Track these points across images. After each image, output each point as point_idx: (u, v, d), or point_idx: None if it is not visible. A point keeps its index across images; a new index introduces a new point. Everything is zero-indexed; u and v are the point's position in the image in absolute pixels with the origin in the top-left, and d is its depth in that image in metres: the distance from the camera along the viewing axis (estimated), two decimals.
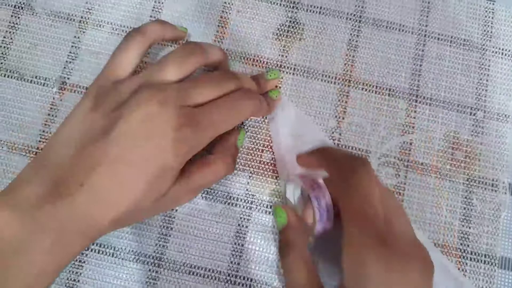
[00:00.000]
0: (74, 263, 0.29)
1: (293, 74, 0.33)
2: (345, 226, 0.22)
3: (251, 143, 0.31)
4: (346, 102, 0.32)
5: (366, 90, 0.33)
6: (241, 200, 0.30)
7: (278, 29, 0.33)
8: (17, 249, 0.21)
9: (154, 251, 0.30)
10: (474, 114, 0.33)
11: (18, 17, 0.33)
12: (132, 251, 0.30)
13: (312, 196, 0.26)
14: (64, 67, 0.32)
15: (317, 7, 0.34)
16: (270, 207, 0.30)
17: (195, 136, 0.24)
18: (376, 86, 0.33)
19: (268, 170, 0.31)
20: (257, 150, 0.31)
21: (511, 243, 0.31)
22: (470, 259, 0.30)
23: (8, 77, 0.32)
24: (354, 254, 0.22)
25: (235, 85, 0.27)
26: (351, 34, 0.34)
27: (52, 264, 0.22)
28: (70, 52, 0.33)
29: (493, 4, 0.34)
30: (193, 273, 0.29)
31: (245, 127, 0.32)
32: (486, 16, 0.34)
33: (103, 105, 0.24)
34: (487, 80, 0.33)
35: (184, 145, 0.24)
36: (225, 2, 0.34)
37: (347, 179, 0.23)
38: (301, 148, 0.28)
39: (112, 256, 0.29)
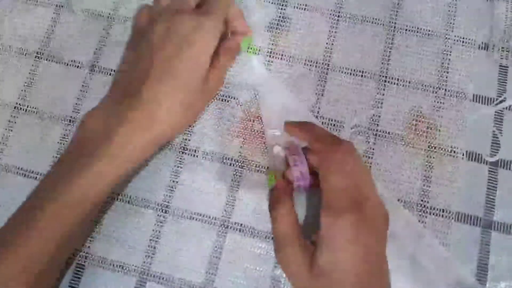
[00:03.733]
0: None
1: (281, 59, 0.39)
2: (325, 192, 0.28)
3: (244, 114, 0.38)
4: (325, 82, 0.39)
5: (342, 72, 0.39)
6: (235, 161, 0.37)
7: (270, 22, 0.40)
8: (102, 137, 0.30)
9: (162, 200, 0.36)
10: (436, 92, 0.38)
11: (59, 14, 0.41)
12: (144, 199, 0.36)
13: (291, 160, 0.32)
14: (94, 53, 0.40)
15: (303, 5, 0.40)
16: (259, 167, 0.37)
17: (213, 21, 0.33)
18: (351, 69, 0.39)
19: (258, 137, 0.37)
20: (249, 121, 0.38)
21: (465, 201, 0.36)
22: (430, 213, 0.35)
23: (49, 61, 0.40)
24: (331, 215, 0.27)
25: None
26: (330, 26, 0.40)
27: (129, 156, 0.31)
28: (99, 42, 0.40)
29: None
30: (193, 219, 0.36)
31: (239, 101, 0.38)
32: (449, 8, 0.40)
33: (153, 21, 0.34)
34: (448, 64, 0.39)
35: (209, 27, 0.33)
36: None
37: (330, 157, 0.29)
38: (287, 118, 0.35)
39: (128, 203, 0.36)
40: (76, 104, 0.39)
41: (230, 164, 0.37)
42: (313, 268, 0.27)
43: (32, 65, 0.40)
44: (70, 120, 0.39)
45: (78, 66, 0.40)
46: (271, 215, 0.32)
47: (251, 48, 0.39)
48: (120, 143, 0.30)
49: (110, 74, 0.40)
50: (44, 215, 0.29)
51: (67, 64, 0.40)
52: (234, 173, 0.37)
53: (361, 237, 0.27)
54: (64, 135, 0.38)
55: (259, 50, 0.39)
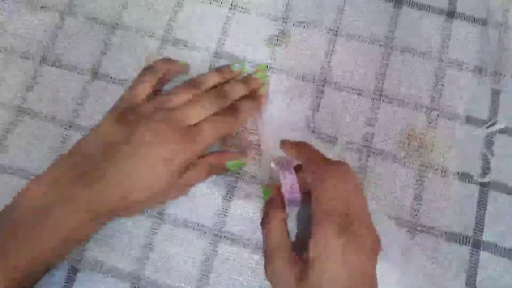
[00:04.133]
0: None
1: (279, 73, 0.40)
2: (315, 213, 0.28)
3: (241, 127, 0.38)
4: (320, 98, 0.39)
5: (338, 89, 0.40)
6: (229, 171, 0.37)
7: (269, 37, 0.41)
8: (47, 216, 0.29)
9: (157, 207, 0.37)
10: (429, 112, 0.39)
11: (62, 18, 0.42)
12: None
13: (281, 174, 0.32)
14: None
15: (302, 21, 0.41)
16: (254, 179, 0.37)
17: (191, 148, 0.32)
18: (347, 86, 0.40)
19: (253, 149, 0.38)
20: (244, 133, 0.38)
21: (456, 219, 0.36)
22: (420, 231, 0.36)
23: (51, 65, 0.41)
24: (321, 238, 0.27)
25: (226, 101, 0.35)
26: (328, 43, 0.41)
27: (73, 235, 0.30)
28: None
29: (451, 23, 0.41)
30: (187, 227, 0.36)
31: None
32: (443, 32, 0.41)
33: (126, 119, 0.33)
34: (442, 85, 0.40)
35: (182, 154, 0.32)
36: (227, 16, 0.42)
37: (322, 179, 0.29)
38: (283, 131, 0.35)
39: None
40: (76, 109, 0.39)
41: (225, 175, 0.37)
42: (301, 286, 0.27)
43: (34, 68, 0.41)
44: (69, 125, 0.39)
45: (79, 72, 0.40)
46: (262, 228, 0.32)
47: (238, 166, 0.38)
48: (58, 221, 0.30)
49: (111, 81, 0.40)
50: None
51: (69, 69, 0.41)
52: (229, 183, 0.37)
53: (350, 261, 0.27)
54: (64, 138, 0.39)
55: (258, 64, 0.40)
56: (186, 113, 0.33)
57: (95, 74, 0.40)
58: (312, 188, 0.29)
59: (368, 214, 0.29)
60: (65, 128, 0.39)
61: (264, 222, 0.32)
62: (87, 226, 0.31)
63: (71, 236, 0.30)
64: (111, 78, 0.40)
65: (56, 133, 0.39)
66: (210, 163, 0.35)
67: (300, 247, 0.29)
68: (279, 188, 0.33)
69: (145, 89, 0.35)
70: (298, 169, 0.33)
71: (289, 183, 0.32)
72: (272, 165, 0.35)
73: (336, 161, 0.31)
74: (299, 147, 0.33)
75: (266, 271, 0.30)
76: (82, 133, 0.39)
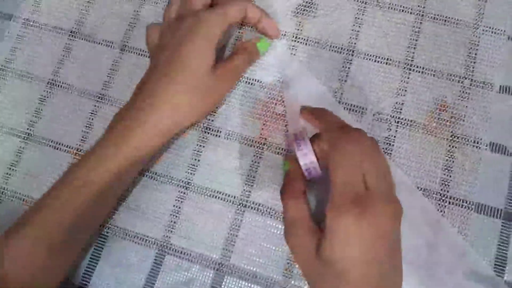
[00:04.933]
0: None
1: (306, 44, 0.39)
2: (331, 184, 0.28)
3: (266, 97, 0.38)
4: (349, 68, 0.39)
5: (366, 59, 0.39)
6: (255, 142, 0.37)
7: (296, 7, 0.41)
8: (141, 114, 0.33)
9: (184, 177, 0.37)
10: (462, 82, 0.38)
11: None
12: (167, 175, 0.37)
13: (296, 145, 0.31)
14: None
15: None
16: (279, 149, 0.37)
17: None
18: (376, 56, 0.39)
19: (279, 119, 0.38)
20: (271, 103, 0.38)
21: (486, 192, 0.35)
22: (449, 203, 0.35)
23: (83, 40, 0.42)
24: (334, 210, 0.27)
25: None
26: (357, 12, 0.40)
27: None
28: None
29: None
30: (213, 196, 0.37)
31: (263, 83, 0.39)
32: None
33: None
34: (475, 54, 0.38)
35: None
36: None
37: (337, 147, 0.28)
38: (309, 102, 0.35)
39: (151, 178, 0.37)
40: (106, 82, 0.40)
41: (251, 145, 0.37)
42: (319, 256, 0.27)
43: (66, 43, 0.42)
44: (99, 97, 0.40)
45: (109, 45, 0.41)
46: (282, 200, 0.32)
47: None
48: (153, 122, 0.33)
49: (139, 54, 0.41)
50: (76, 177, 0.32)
51: (100, 43, 0.42)
52: (254, 153, 0.37)
53: (364, 233, 0.26)
54: (94, 110, 0.40)
55: (285, 35, 0.40)
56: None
57: (124, 48, 0.41)
58: (328, 158, 0.29)
59: (387, 183, 0.28)
60: (96, 100, 0.40)
61: (283, 193, 0.32)
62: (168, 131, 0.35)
63: (163, 134, 0.34)
64: (140, 51, 0.41)
65: (87, 105, 0.40)
66: (247, 48, 0.37)
67: (321, 217, 0.29)
68: (294, 159, 0.32)
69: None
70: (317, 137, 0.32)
71: (303, 153, 0.31)
72: (289, 136, 0.34)
73: (351, 127, 0.30)
74: (317, 113, 0.32)
75: (286, 241, 0.31)
76: (112, 105, 0.40)
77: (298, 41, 0.40)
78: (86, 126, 0.39)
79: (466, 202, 0.35)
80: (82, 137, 0.39)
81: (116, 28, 0.42)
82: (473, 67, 0.38)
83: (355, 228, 0.26)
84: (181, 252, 0.36)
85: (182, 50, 0.33)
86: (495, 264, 0.34)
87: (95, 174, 0.32)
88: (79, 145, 0.39)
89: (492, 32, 0.38)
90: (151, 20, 0.42)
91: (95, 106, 0.40)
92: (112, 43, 0.41)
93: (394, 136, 0.37)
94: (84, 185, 0.32)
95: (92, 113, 0.40)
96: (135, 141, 0.32)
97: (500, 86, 0.37)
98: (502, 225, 0.35)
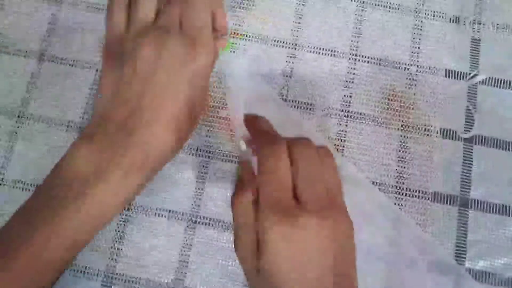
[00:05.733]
0: None
1: (246, 40, 0.37)
2: (260, 196, 0.26)
3: (210, 101, 0.35)
4: (293, 62, 0.36)
5: (310, 52, 0.37)
6: (200, 150, 0.35)
7: (232, 1, 0.38)
8: (95, 179, 0.25)
9: None
10: (408, 69, 0.36)
11: None
12: None
13: (249, 152, 0.30)
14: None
15: None
16: (226, 155, 0.34)
17: None
18: (320, 48, 0.37)
19: (224, 124, 0.35)
20: (215, 108, 0.35)
21: (442, 179, 0.35)
22: (406, 195, 0.34)
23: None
24: (264, 223, 0.25)
25: None
26: (297, 3, 0.38)
27: (123, 193, 0.26)
28: None
29: None
30: (159, 215, 0.33)
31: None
32: None
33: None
34: (419, 39, 0.37)
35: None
36: None
37: (262, 160, 0.26)
38: (254, 103, 0.33)
39: None
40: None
41: (197, 155, 0.34)
42: (258, 269, 0.26)
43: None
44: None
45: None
46: (231, 204, 0.29)
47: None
48: (113, 185, 0.26)
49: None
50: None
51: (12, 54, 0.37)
52: (202, 164, 0.34)
53: (292, 250, 0.25)
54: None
55: None
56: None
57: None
58: (258, 172, 0.27)
59: (323, 188, 0.26)
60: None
61: (233, 198, 0.29)
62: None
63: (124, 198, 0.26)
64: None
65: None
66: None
67: None
68: (245, 165, 0.30)
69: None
70: None
71: (255, 160, 0.29)
72: (241, 143, 0.32)
73: (277, 139, 0.28)
74: (249, 121, 0.30)
75: (235, 249, 0.28)
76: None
77: (237, 37, 0.37)
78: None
79: (422, 193, 0.34)
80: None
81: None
82: (418, 53, 0.37)
83: (284, 244, 0.24)
84: (129, 281, 0.32)
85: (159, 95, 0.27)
86: (455, 252, 0.33)
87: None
88: None
89: (434, 16, 0.38)
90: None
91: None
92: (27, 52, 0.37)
93: (345, 131, 0.35)
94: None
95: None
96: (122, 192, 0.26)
97: (446, 69, 0.36)
98: (459, 212, 0.34)
